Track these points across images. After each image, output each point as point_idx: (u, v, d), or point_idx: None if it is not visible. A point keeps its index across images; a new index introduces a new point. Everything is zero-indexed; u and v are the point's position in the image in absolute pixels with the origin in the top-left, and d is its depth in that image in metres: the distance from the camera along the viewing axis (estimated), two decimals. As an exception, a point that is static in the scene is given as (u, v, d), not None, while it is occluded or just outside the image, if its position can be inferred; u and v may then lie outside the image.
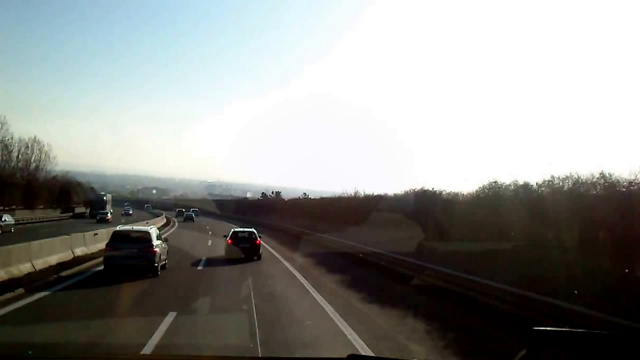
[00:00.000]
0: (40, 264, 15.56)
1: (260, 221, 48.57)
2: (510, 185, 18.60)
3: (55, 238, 18.85)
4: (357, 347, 8.22)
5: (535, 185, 17.05)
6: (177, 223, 57.24)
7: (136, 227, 19.95)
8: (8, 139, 60.63)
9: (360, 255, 21.94)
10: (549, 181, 16.21)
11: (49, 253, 16.83)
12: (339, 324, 9.94)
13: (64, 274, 15.33)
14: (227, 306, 11.98)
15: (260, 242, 23.22)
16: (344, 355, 2.69)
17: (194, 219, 65.35)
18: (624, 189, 13.07)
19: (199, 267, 19.10)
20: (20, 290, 12.01)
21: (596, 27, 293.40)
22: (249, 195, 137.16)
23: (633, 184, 12.76)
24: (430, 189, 25.65)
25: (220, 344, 8.41)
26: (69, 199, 74.52)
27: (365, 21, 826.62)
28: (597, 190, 14.28)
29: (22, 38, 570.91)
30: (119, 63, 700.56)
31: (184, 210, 74.67)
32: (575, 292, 9.81)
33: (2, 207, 49.65)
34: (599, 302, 9.06)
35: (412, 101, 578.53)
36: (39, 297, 11.67)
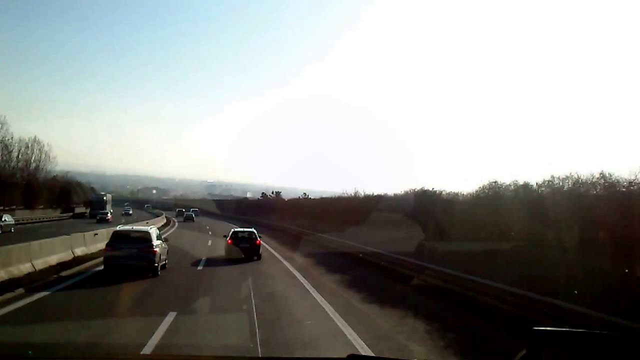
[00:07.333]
0: (40, 264, 15.55)
1: (260, 221, 48.57)
2: (510, 185, 18.63)
3: (55, 238, 18.85)
4: (357, 347, 8.22)
5: (535, 185, 17.07)
6: (177, 223, 57.21)
7: (136, 227, 19.93)
8: (8, 139, 60.77)
9: (360, 255, 21.94)
10: (549, 181, 16.23)
11: (49, 253, 16.83)
12: (339, 324, 9.93)
13: (64, 274, 15.32)
14: (227, 306, 11.98)
15: (260, 242, 23.22)
16: (344, 355, 2.69)
17: (194, 219, 65.32)
18: (624, 189, 13.07)
19: (199, 267, 19.10)
20: (20, 290, 12.00)
21: (596, 27, 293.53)
22: (249, 195, 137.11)
23: (633, 184, 12.77)
24: (430, 189, 25.70)
25: (220, 344, 8.41)
26: (69, 199, 74.50)
27: (365, 21, 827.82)
28: (597, 190, 14.28)
29: (22, 38, 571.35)
30: (119, 63, 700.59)
31: (184, 210, 74.62)
32: (575, 292, 9.81)
33: (2, 207, 49.66)
34: (599, 302, 9.06)
35: (412, 101, 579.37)
36: (39, 297, 11.66)
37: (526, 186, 17.57)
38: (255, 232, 23.40)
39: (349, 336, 8.96)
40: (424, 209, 22.66)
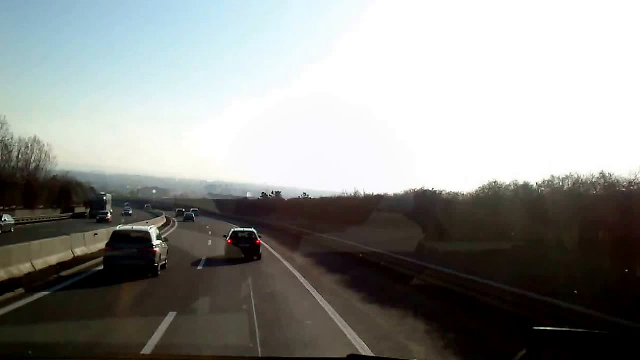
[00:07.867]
0: (40, 264, 15.56)
1: (260, 221, 48.55)
2: (510, 185, 18.66)
3: (55, 238, 18.85)
4: (357, 347, 8.22)
5: (535, 185, 17.09)
6: (177, 223, 57.22)
7: (136, 227, 19.93)
8: (8, 139, 60.68)
9: (360, 255, 21.94)
10: (549, 181, 16.25)
11: (49, 253, 16.83)
12: (339, 324, 9.94)
13: (64, 274, 15.33)
14: (227, 306, 11.97)
15: (260, 242, 23.22)
16: (344, 355, 2.69)
17: (194, 219, 65.34)
18: (624, 189, 13.08)
19: (199, 267, 19.10)
20: (20, 290, 12.00)
21: (596, 27, 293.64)
22: (249, 195, 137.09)
23: (633, 184, 12.78)
24: (430, 189, 25.73)
25: (220, 344, 8.41)
26: (69, 199, 74.43)
27: (365, 21, 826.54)
28: (597, 190, 14.29)
29: (22, 38, 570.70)
30: (119, 63, 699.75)
31: (184, 210, 74.62)
32: (575, 292, 9.81)
33: (2, 207, 49.59)
34: (599, 302, 9.06)
35: (412, 101, 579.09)
36: (39, 297, 11.67)
37: (526, 186, 17.59)
38: (255, 232, 23.40)
39: (349, 336, 8.96)
40: (424, 209, 22.67)
